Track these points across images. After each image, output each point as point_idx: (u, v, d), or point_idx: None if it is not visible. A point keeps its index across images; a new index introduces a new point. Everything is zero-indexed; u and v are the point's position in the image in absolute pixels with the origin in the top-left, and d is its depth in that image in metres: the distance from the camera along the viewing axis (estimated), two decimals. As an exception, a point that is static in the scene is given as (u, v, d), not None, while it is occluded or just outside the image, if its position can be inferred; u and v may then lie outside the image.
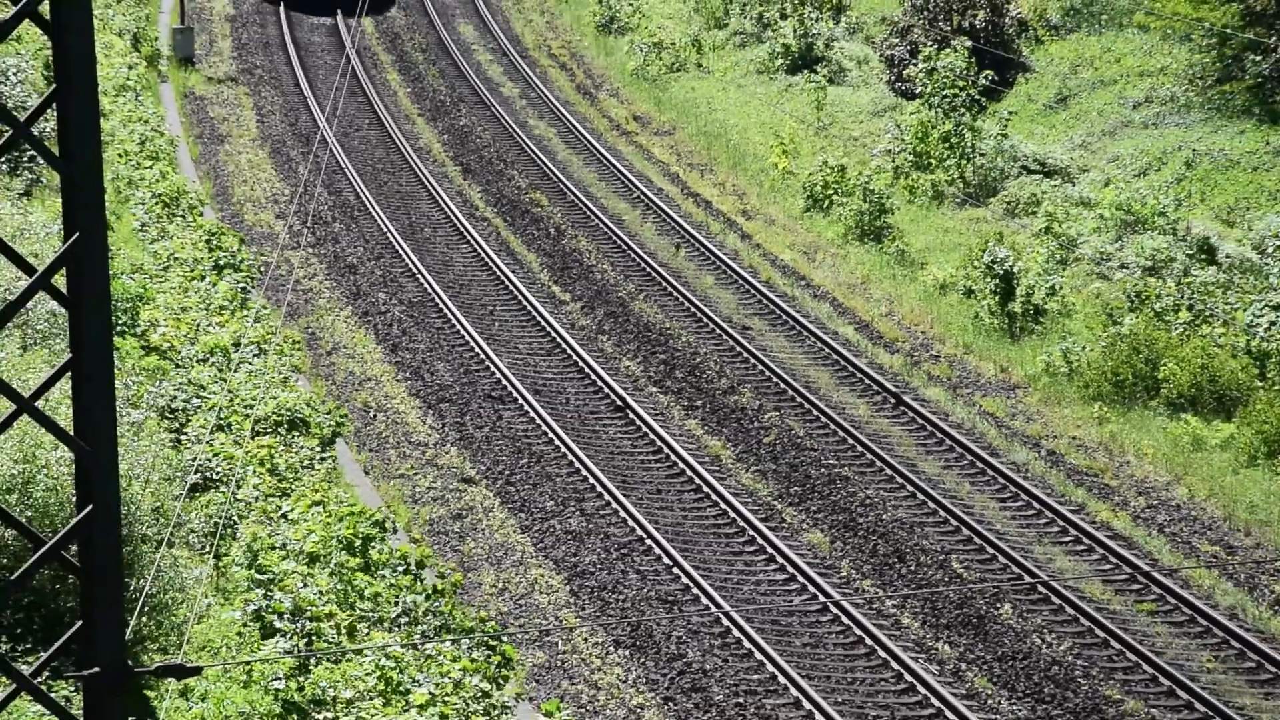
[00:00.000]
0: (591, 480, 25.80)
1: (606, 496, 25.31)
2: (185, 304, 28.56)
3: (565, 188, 40.24)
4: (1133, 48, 42.99)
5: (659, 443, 27.15)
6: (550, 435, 27.30)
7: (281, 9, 52.54)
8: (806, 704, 20.30)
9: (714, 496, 25.48)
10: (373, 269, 34.79)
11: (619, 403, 28.62)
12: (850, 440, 27.58)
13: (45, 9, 9.29)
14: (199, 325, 27.58)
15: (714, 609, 22.35)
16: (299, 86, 47.04)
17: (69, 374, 9.07)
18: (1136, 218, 34.83)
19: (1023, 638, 22.24)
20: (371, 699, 18.10)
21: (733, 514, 24.95)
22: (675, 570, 23.33)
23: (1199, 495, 26.41)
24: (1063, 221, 35.27)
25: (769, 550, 23.95)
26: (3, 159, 30.27)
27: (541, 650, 21.40)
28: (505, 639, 20.55)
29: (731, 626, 21.94)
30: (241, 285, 30.55)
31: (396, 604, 20.34)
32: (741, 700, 20.48)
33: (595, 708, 20.30)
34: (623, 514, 24.81)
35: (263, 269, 33.33)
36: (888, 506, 25.61)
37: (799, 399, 29.17)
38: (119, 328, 26.19)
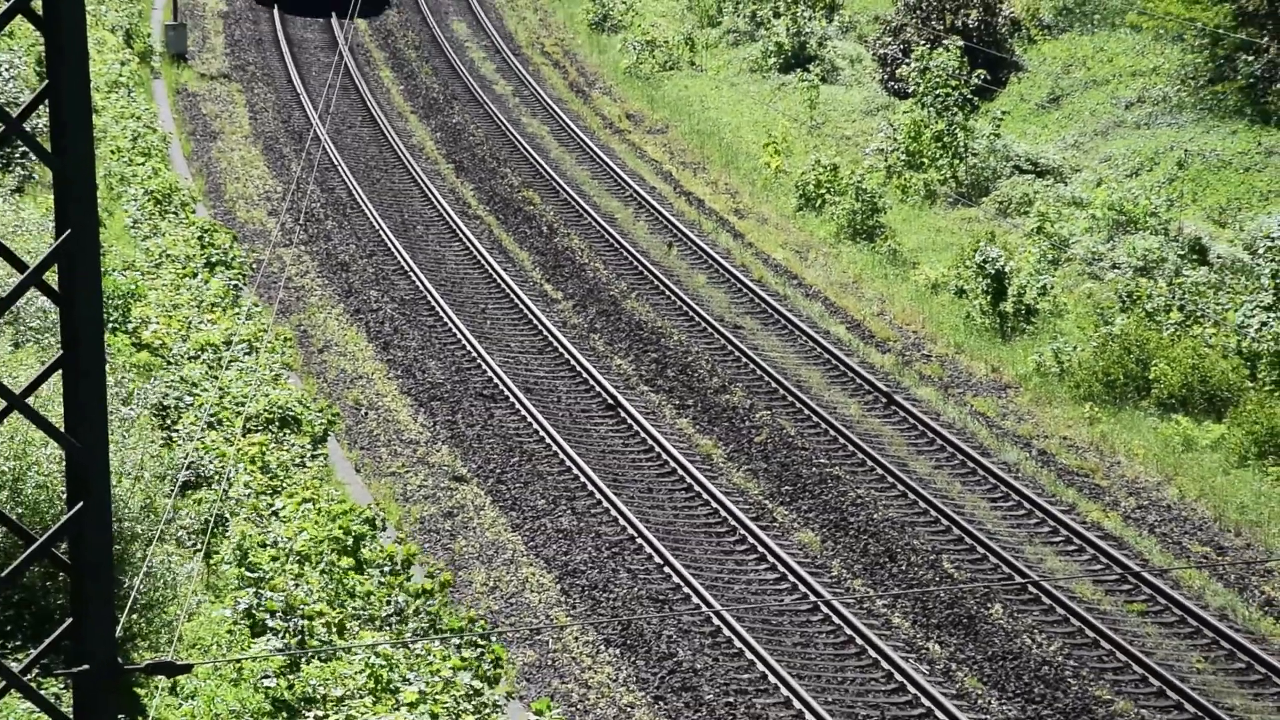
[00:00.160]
0: (583, 479, 25.84)
1: (597, 495, 25.36)
2: (177, 301, 28.57)
3: (558, 186, 40.27)
4: (1125, 48, 43.10)
5: (650, 441, 27.20)
6: (541, 434, 27.33)
7: (275, 11, 52.45)
8: (797, 703, 20.34)
9: (705, 495, 25.52)
10: (365, 266, 34.81)
11: (610, 401, 28.65)
12: (841, 440, 27.63)
13: (38, 5, 9.24)
14: (191, 322, 27.60)
15: (705, 608, 22.37)
16: (292, 83, 47.03)
17: (61, 371, 9.05)
18: (1128, 218, 34.91)
19: (1013, 638, 22.28)
20: (361, 697, 18.06)
21: (724, 513, 24.99)
22: (666, 569, 23.37)
23: (1189, 496, 26.49)
24: (1055, 221, 35.33)
25: (760, 549, 23.99)
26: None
27: (532, 649, 21.45)
28: (495, 638, 20.57)
29: (722, 626, 21.96)
30: (233, 282, 30.58)
31: (388, 603, 20.33)
32: (732, 699, 20.52)
33: (586, 706, 20.34)
34: (614, 513, 24.86)
35: (255, 266, 33.38)
36: (879, 506, 25.66)
37: (790, 398, 29.21)
38: (110, 325, 26.21)
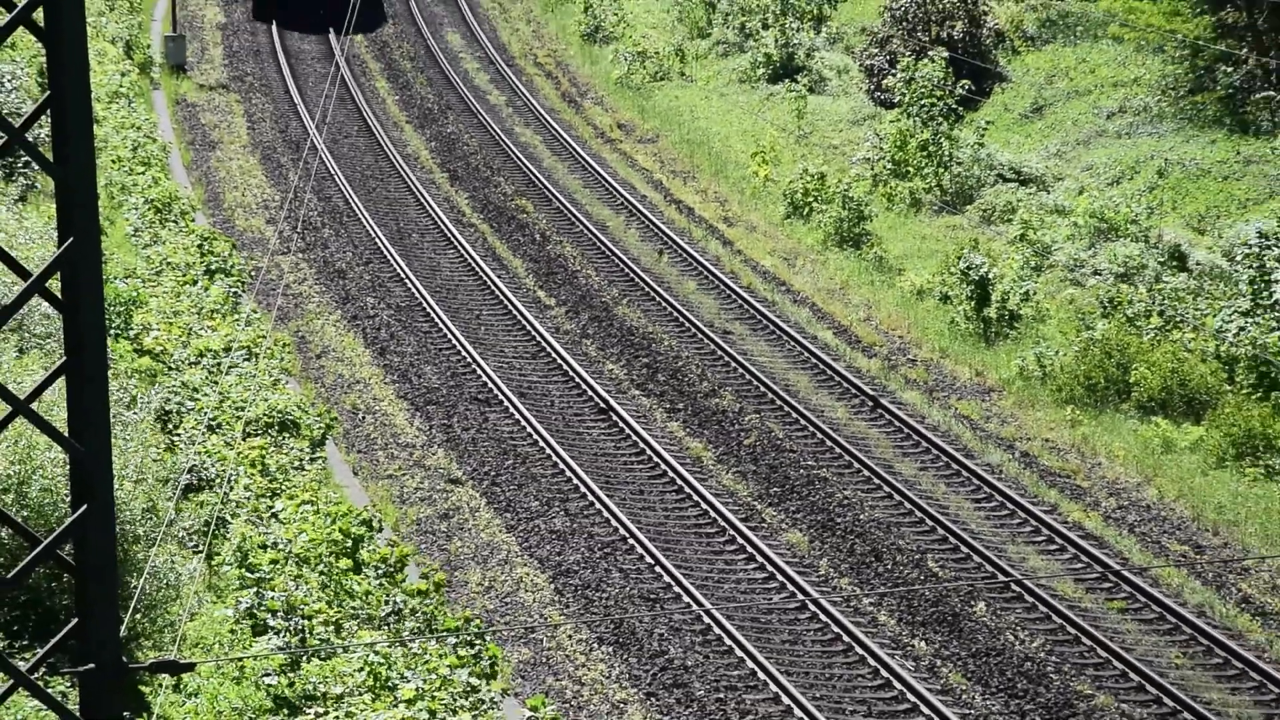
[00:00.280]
0: (575, 481, 26.01)
1: (590, 497, 25.52)
2: (177, 308, 28.69)
3: (550, 194, 40.50)
4: (1107, 59, 43.36)
5: (641, 444, 27.37)
6: (535, 437, 27.52)
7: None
8: (785, 699, 20.52)
9: (695, 497, 25.69)
10: (361, 274, 34.97)
11: (602, 405, 28.84)
12: (829, 442, 27.82)
13: (40, 16, 9.52)
14: (191, 329, 27.79)
15: (695, 607, 22.52)
16: (289, 94, 47.18)
17: (64, 376, 9.13)
18: (1109, 225, 35.10)
19: (996, 635, 22.45)
20: (361, 694, 18.20)
21: (713, 514, 25.15)
22: (657, 569, 23.54)
23: (1168, 496, 26.65)
24: (1037, 229, 35.47)
25: (749, 550, 24.15)
26: (-1, 165, 30.54)
27: (527, 647, 21.56)
28: (489, 637, 20.60)
29: (712, 624, 22.12)
30: (233, 289, 30.70)
31: (386, 602, 20.57)
32: (722, 696, 20.66)
33: (579, 703, 20.49)
34: (606, 514, 25.01)
35: (253, 273, 33.47)
36: (865, 507, 25.82)
37: (779, 402, 29.42)
38: (112, 331, 26.30)
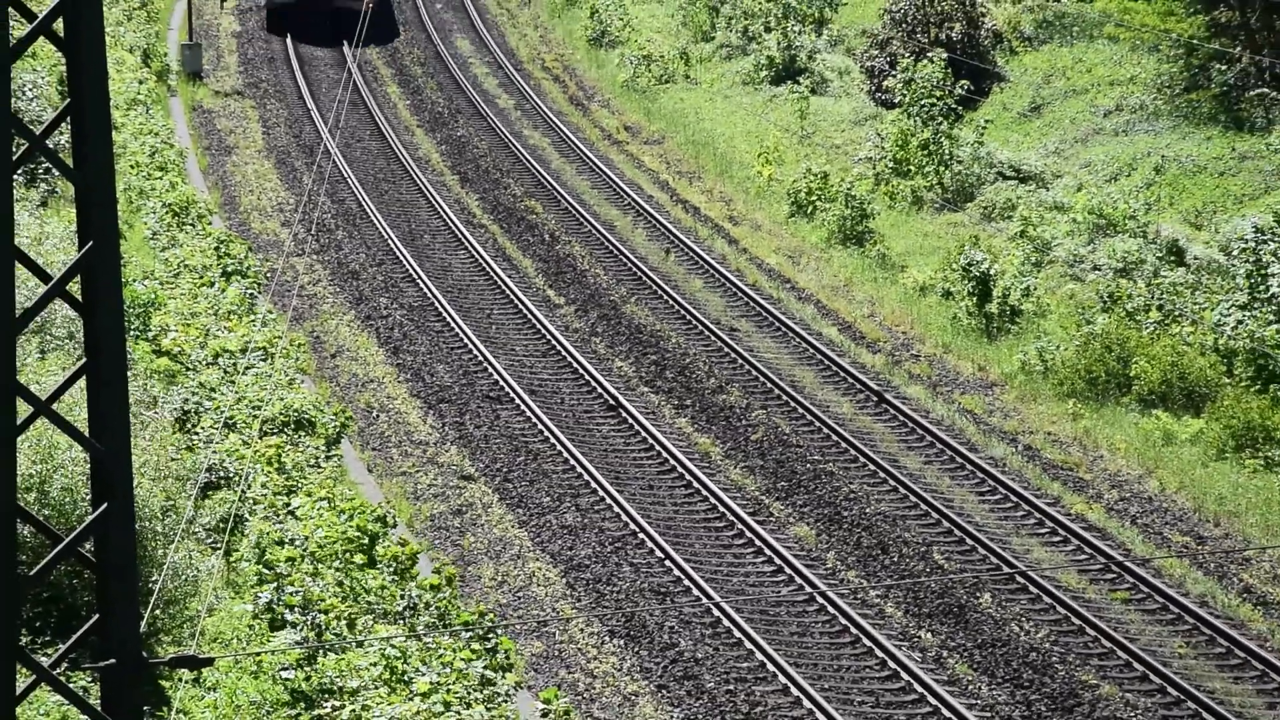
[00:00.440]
0: (586, 477, 26.18)
1: (601, 492, 25.68)
2: (195, 309, 28.88)
3: (559, 195, 40.71)
4: (1103, 58, 43.56)
5: (650, 440, 27.56)
6: (546, 434, 27.70)
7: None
8: (794, 690, 20.64)
9: (704, 492, 25.84)
10: (374, 275, 35.17)
11: (612, 402, 29.02)
12: (834, 437, 28.00)
13: (60, 27, 9.52)
14: (208, 330, 28.04)
15: (705, 600, 22.63)
16: (303, 99, 47.42)
17: (85, 377, 9.33)
18: (1108, 221, 35.29)
19: (1002, 626, 22.57)
20: (376, 688, 18.32)
21: (722, 508, 25.29)
22: (667, 563, 23.68)
23: (1170, 488, 26.79)
24: (1037, 225, 35.57)
25: (757, 543, 24.29)
26: (20, 171, 30.77)
27: (539, 640, 21.68)
28: (502, 631, 20.62)
29: (722, 617, 22.26)
30: (249, 291, 30.89)
31: (402, 598, 20.78)
32: (732, 688, 20.79)
33: (591, 695, 20.61)
34: (616, 509, 25.17)
35: (269, 275, 33.58)
36: (871, 500, 25.97)
37: (785, 397, 29.61)
38: (131, 332, 26.42)
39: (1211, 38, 39.30)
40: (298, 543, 21.05)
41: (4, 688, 9.36)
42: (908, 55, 43.46)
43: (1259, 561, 24.79)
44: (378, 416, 28.48)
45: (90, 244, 9.21)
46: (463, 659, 19.35)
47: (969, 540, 24.74)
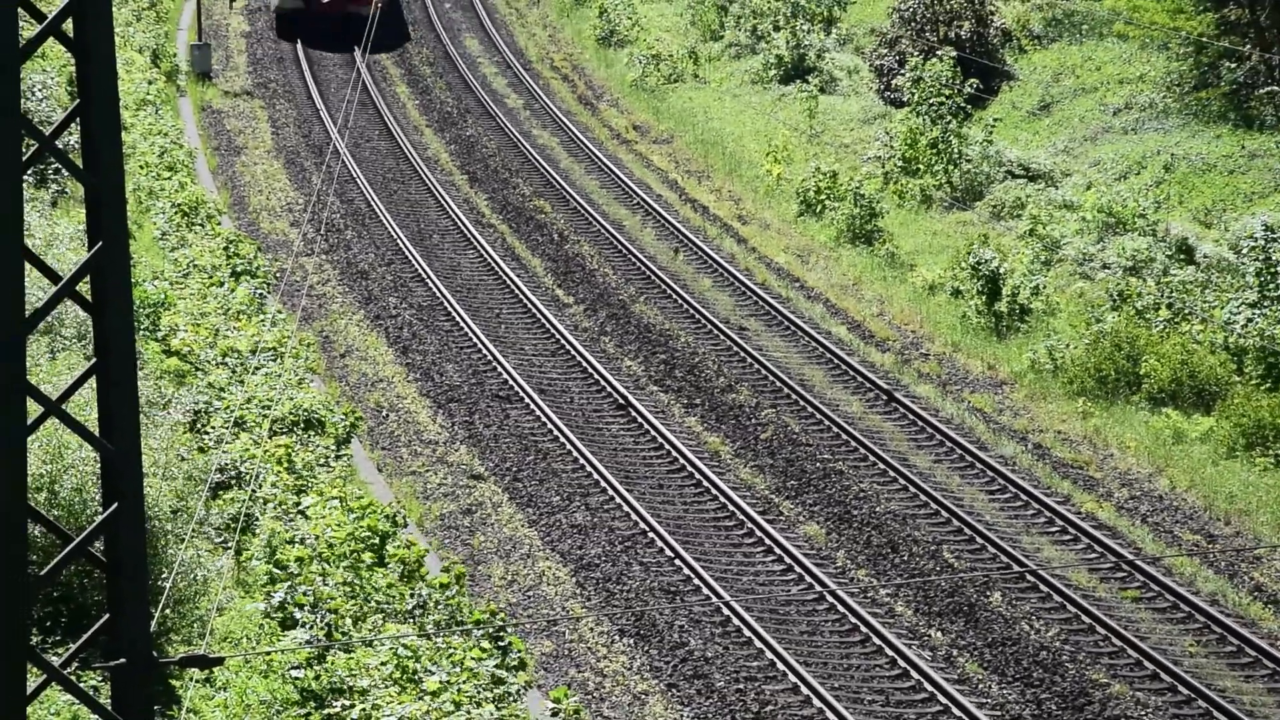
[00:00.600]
0: (596, 476, 26.25)
1: (610, 491, 25.75)
2: (204, 309, 29.00)
3: (568, 195, 40.79)
4: (1112, 56, 43.57)
5: (660, 439, 27.62)
6: (555, 433, 27.76)
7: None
8: (804, 689, 20.67)
9: (714, 491, 25.88)
10: (384, 274, 35.24)
11: (621, 401, 29.09)
12: (844, 436, 28.03)
13: (69, 27, 9.64)
14: (218, 330, 28.11)
15: (715, 599, 22.67)
16: (312, 99, 47.47)
17: (95, 377, 9.31)
18: (1117, 220, 35.34)
19: (1012, 624, 22.60)
20: (387, 687, 18.34)
21: (732, 507, 25.33)
22: (677, 562, 23.72)
23: (1180, 486, 26.82)
24: (1046, 224, 35.62)
25: (767, 542, 24.33)
26: (30, 171, 30.84)
27: (549, 639, 21.72)
28: (511, 630, 20.62)
29: (731, 616, 22.30)
30: (258, 291, 30.99)
31: (412, 596, 20.81)
32: (742, 686, 20.82)
33: (601, 694, 20.65)
34: (626, 508, 25.23)
35: (278, 275, 33.63)
36: (881, 499, 26.02)
37: (794, 396, 29.66)
38: (141, 332, 26.54)
39: (1221, 36, 39.31)
40: (308, 542, 21.06)
41: (15, 687, 9.39)
42: (916, 54, 43.49)
43: (1270, 560, 24.80)
44: (387, 416, 28.54)
45: (100, 244, 9.26)
46: (473, 658, 19.33)
47: (979, 539, 24.78)
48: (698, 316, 33.39)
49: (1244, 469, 27.23)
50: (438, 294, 34.02)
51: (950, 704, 20.69)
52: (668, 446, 27.43)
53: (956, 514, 25.33)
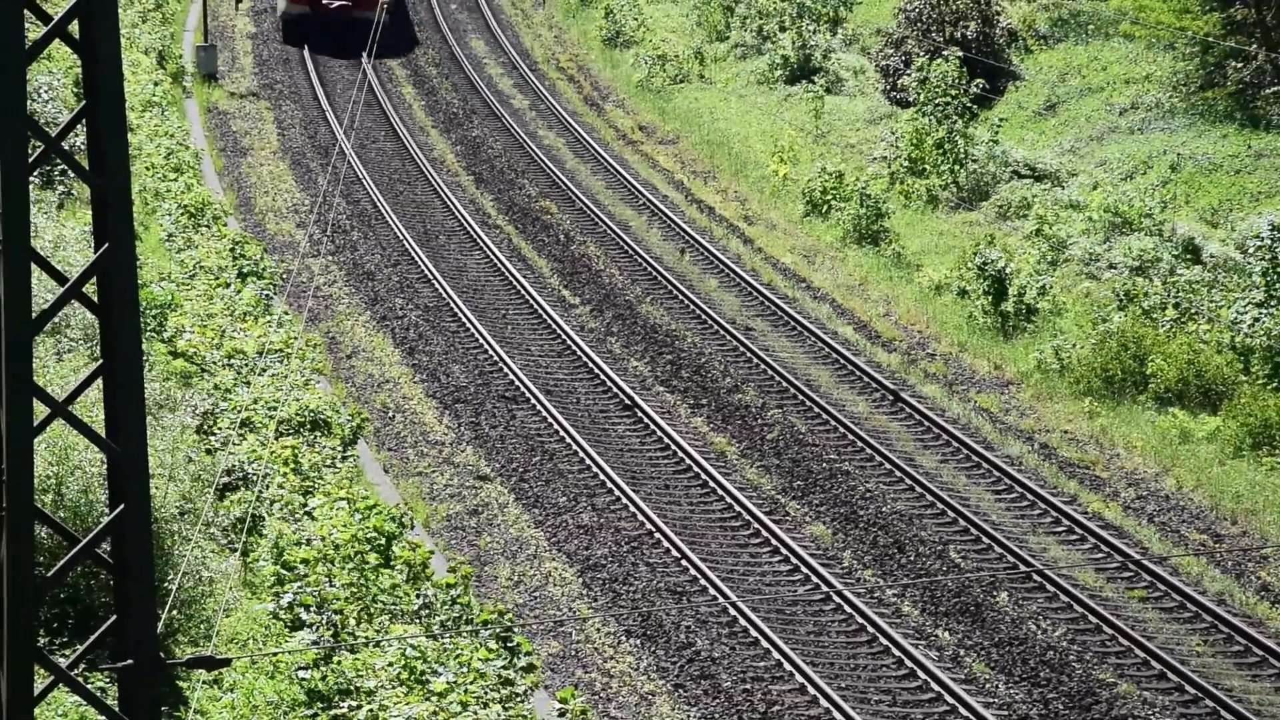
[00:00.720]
0: (602, 476, 26.27)
1: (616, 492, 25.77)
2: (211, 310, 29.05)
3: (574, 196, 40.84)
4: (1119, 56, 43.58)
5: (666, 440, 27.65)
6: (562, 434, 27.80)
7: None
8: (811, 689, 20.71)
9: (720, 491, 25.92)
10: (390, 275, 35.31)
11: (627, 402, 29.13)
12: (850, 436, 28.07)
13: (75, 29, 9.52)
14: (224, 331, 28.16)
15: (721, 599, 22.71)
16: (318, 100, 47.56)
17: (102, 379, 9.36)
18: (1124, 219, 35.33)
19: (1019, 624, 22.62)
20: (394, 688, 18.35)
21: (738, 508, 25.36)
22: (683, 562, 23.76)
23: (1187, 486, 26.84)
24: (1053, 224, 35.66)
25: (773, 542, 24.36)
26: (36, 173, 30.95)
27: (556, 640, 21.76)
28: (519, 631, 20.67)
29: (738, 616, 22.33)
30: (264, 292, 31.02)
31: (418, 596, 20.83)
32: (749, 687, 20.85)
33: (608, 695, 20.68)
34: (632, 509, 25.26)
35: (284, 276, 33.75)
36: (887, 499, 26.05)
37: (800, 397, 29.68)
38: (147, 333, 26.58)
39: (1227, 35, 39.31)
40: (314, 543, 21.10)
41: (23, 688, 9.42)
42: (923, 54, 43.50)
43: (1277, 559, 24.82)
44: (394, 417, 28.59)
45: (106, 246, 9.27)
46: (480, 658, 19.36)
47: (985, 539, 24.80)
48: (704, 317, 33.43)
49: (1250, 468, 27.25)
50: (444, 295, 34.07)
51: (957, 704, 20.72)
52: (674, 447, 27.46)
53: (963, 514, 25.35)
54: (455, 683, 18.72)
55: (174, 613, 18.27)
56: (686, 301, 34.25)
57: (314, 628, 19.30)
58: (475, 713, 18.38)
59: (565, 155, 44.54)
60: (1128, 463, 27.77)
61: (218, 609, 18.92)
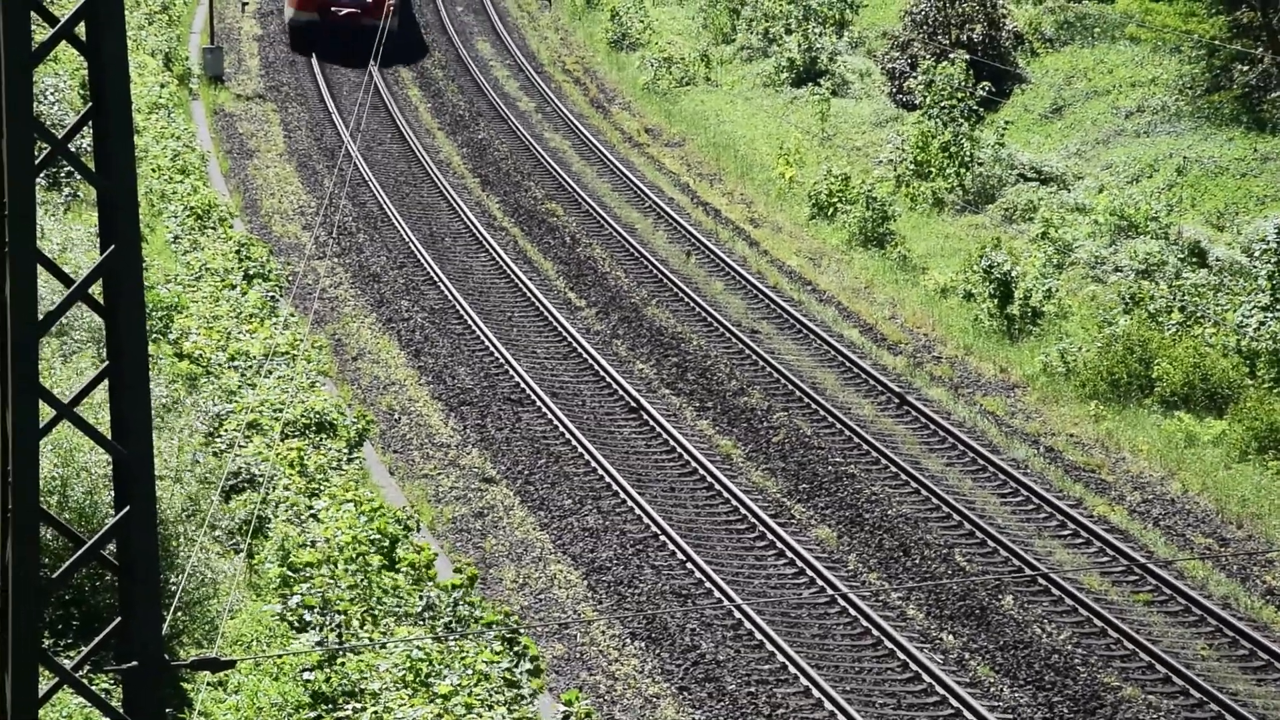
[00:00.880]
0: (607, 479, 26.29)
1: (622, 495, 25.79)
2: (217, 312, 29.08)
3: (580, 198, 40.90)
4: (1125, 59, 43.62)
5: (672, 443, 27.67)
6: (567, 436, 27.82)
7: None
8: (816, 692, 20.71)
9: (725, 494, 25.94)
10: (395, 277, 35.36)
11: (633, 404, 29.17)
12: (856, 439, 28.10)
13: (82, 31, 9.55)
14: (230, 333, 28.20)
15: (726, 602, 22.72)
16: (324, 103, 47.64)
17: (108, 380, 9.33)
18: (1130, 223, 35.37)
19: (1024, 628, 22.64)
20: (398, 690, 18.34)
21: (743, 510, 25.39)
22: (689, 565, 23.77)
23: (1192, 490, 26.86)
24: (1059, 227, 35.74)
25: (779, 545, 24.38)
26: (43, 175, 30.98)
27: (561, 642, 21.79)
28: (523, 633, 20.89)
29: (743, 619, 22.34)
30: (270, 294, 31.03)
31: (421, 598, 20.84)
32: (753, 690, 20.85)
33: (613, 697, 20.70)
34: (638, 511, 25.27)
35: (290, 278, 33.82)
36: (892, 502, 26.06)
37: (806, 400, 29.70)
38: (153, 335, 26.73)
39: (1233, 38, 39.34)
40: (319, 545, 21.12)
41: (27, 690, 9.44)
42: (929, 57, 43.55)
43: (1282, 563, 24.79)
44: (399, 419, 28.63)
45: (112, 248, 9.29)
46: (484, 660, 19.38)
47: (991, 542, 24.82)
48: (710, 320, 33.46)
49: (1256, 472, 27.27)
50: (450, 297, 34.12)
51: (962, 707, 20.73)
52: (679, 449, 27.49)
53: (968, 517, 25.37)
54: (460, 685, 18.71)
55: (179, 614, 18.28)
56: (692, 304, 34.29)
57: (318, 629, 19.29)
58: (480, 715, 18.39)
59: (571, 157, 44.59)
60: (1133, 466, 27.79)
61: (222, 611, 18.91)
